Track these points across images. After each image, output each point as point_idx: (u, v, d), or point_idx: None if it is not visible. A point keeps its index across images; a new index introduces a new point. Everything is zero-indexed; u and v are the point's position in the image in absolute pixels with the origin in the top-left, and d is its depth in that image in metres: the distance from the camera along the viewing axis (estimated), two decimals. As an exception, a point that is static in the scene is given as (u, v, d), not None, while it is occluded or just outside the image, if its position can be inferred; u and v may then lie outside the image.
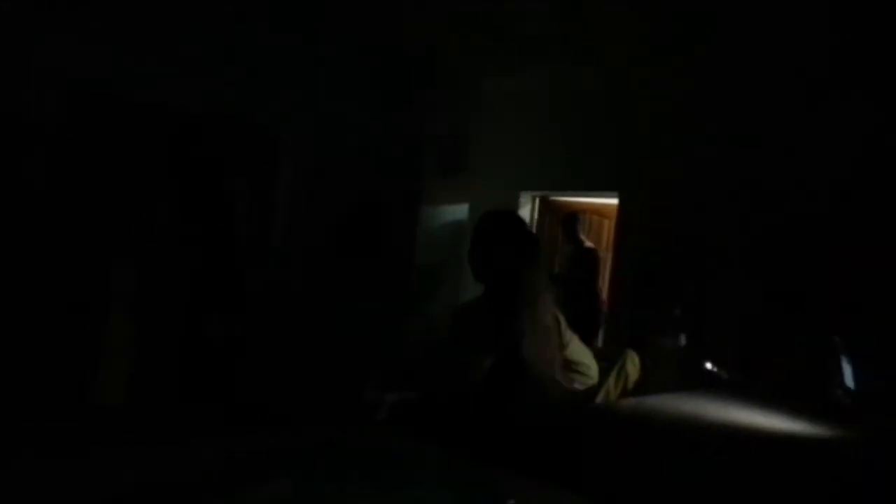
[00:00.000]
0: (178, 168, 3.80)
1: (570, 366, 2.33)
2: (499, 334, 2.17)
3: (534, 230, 5.75)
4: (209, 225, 3.97)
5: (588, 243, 5.62)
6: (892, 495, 1.77)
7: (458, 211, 5.52)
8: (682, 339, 3.50)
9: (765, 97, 4.08)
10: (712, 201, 4.27)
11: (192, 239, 3.83)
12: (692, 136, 4.44)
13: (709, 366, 3.32)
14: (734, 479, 1.87)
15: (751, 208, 4.08)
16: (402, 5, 4.33)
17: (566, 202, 5.96)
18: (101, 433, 2.79)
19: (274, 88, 4.22)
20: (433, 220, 5.35)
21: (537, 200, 5.93)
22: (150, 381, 3.59)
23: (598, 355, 2.74)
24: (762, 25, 3.92)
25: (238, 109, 4.01)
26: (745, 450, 2.02)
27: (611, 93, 5.05)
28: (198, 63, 3.81)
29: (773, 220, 3.93)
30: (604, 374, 2.73)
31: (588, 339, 2.70)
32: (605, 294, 5.36)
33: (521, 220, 2.51)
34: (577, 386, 2.35)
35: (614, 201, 5.19)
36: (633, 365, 3.01)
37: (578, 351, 2.41)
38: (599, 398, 2.57)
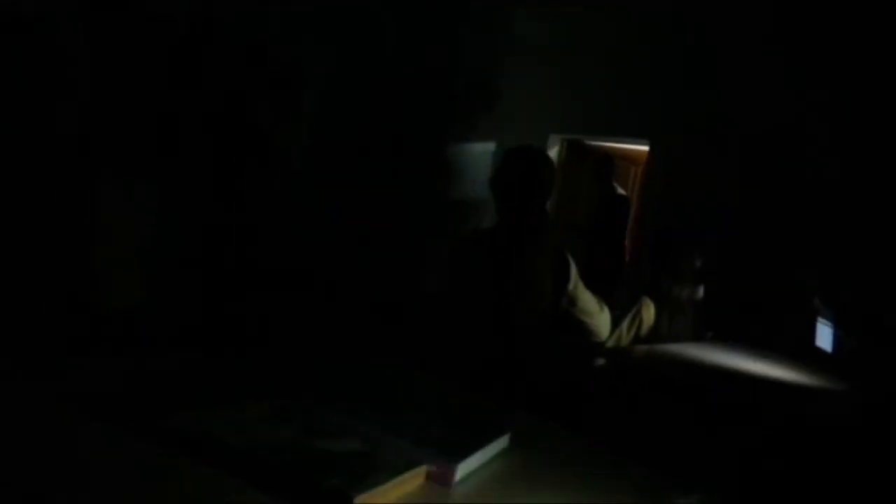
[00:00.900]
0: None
1: (576, 311, 2.30)
2: (500, 269, 2.16)
3: (560, 172, 5.68)
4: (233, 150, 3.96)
5: (620, 190, 5.47)
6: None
7: (485, 148, 5.46)
8: (700, 291, 3.48)
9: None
10: (744, 159, 4.17)
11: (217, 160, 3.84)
12: (727, 88, 4.30)
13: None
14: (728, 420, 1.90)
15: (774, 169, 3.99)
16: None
17: (594, 146, 5.82)
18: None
19: (305, 20, 4.13)
20: (460, 157, 5.30)
21: (565, 143, 5.81)
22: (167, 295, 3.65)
23: (612, 303, 2.73)
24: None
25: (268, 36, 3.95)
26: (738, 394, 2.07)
27: (646, 38, 4.87)
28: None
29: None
30: (617, 321, 2.73)
31: (608, 291, 2.68)
32: (627, 241, 5.29)
33: (543, 160, 2.45)
34: (586, 329, 2.34)
35: (643, 147, 5.07)
36: (647, 312, 3.02)
37: (585, 298, 2.38)
38: (610, 342, 2.58)
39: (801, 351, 3.03)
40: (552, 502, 1.01)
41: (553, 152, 5.73)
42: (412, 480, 0.93)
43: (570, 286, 2.18)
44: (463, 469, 0.99)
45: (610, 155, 5.59)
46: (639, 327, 2.96)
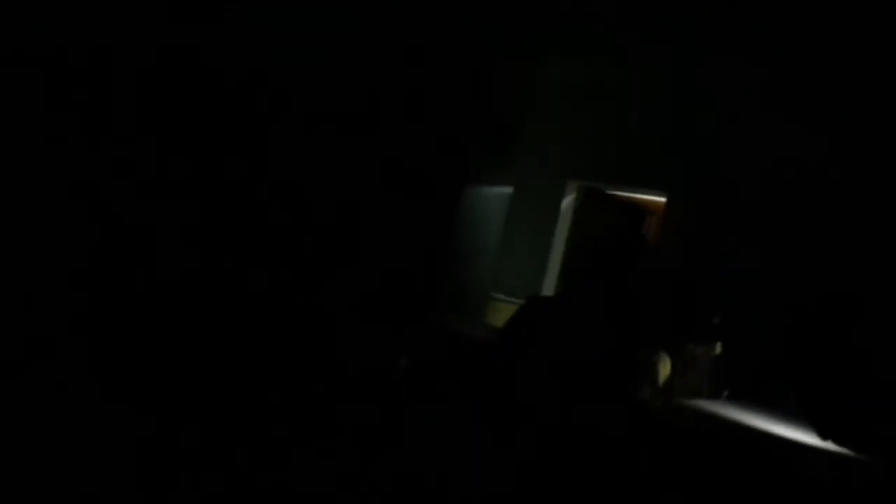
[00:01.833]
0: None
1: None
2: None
3: (575, 220, 5.68)
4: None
5: (647, 239, 5.23)
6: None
7: (503, 192, 5.48)
8: (718, 348, 3.45)
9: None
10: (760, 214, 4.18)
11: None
12: (744, 142, 4.33)
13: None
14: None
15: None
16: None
17: (613, 195, 5.81)
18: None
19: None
20: (478, 199, 5.32)
21: (583, 190, 5.82)
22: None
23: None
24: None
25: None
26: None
27: (668, 90, 4.93)
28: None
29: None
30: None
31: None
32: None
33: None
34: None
35: (659, 198, 5.07)
36: (664, 366, 3.00)
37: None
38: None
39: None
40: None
41: (570, 199, 5.76)
42: None
43: None
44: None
45: (641, 206, 5.39)
46: (655, 379, 2.93)
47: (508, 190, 5.54)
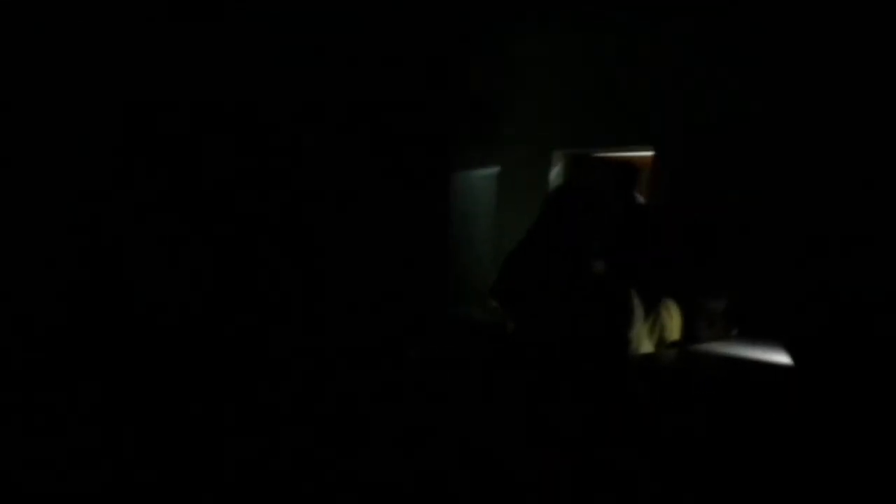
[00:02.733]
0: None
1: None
2: None
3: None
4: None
5: (640, 199, 5.18)
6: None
7: (490, 172, 5.43)
8: (724, 296, 3.37)
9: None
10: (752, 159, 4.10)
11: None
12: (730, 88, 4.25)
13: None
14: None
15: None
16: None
17: (603, 157, 5.72)
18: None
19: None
20: (465, 183, 5.27)
21: (570, 158, 5.76)
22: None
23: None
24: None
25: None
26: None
27: (644, 47, 4.85)
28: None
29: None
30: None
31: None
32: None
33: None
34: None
35: (647, 153, 5.00)
36: (668, 314, 2.93)
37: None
38: (631, 348, 2.49)
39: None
40: None
41: (558, 169, 5.69)
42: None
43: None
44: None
45: (633, 164, 5.29)
46: (661, 331, 2.86)
47: (495, 169, 5.49)
